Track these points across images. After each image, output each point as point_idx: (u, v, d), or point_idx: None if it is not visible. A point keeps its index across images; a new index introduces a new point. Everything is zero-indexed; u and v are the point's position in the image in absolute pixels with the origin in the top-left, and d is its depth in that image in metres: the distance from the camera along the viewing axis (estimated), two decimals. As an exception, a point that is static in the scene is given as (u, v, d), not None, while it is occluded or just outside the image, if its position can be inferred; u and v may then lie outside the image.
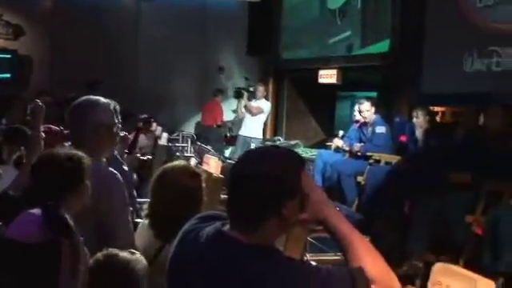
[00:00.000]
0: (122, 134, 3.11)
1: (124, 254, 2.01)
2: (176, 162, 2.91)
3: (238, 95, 9.81)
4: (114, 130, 2.69)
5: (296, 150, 8.69)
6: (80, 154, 2.26)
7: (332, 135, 9.03)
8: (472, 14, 6.25)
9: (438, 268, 1.60)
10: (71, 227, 1.60)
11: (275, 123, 10.37)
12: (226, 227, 1.57)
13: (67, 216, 1.62)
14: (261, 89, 9.49)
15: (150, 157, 6.15)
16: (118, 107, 2.77)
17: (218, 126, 10.49)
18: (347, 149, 7.25)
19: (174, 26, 10.35)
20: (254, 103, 9.53)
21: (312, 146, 9.17)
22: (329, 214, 1.56)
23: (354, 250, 1.53)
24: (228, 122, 10.80)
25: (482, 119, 5.77)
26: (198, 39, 10.63)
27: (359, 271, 1.50)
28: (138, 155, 5.38)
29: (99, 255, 1.97)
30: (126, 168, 3.27)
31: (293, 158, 1.58)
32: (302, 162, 1.59)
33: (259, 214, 1.51)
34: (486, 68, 5.97)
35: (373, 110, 7.02)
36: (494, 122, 5.29)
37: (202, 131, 10.37)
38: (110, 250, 2.01)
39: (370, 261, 1.51)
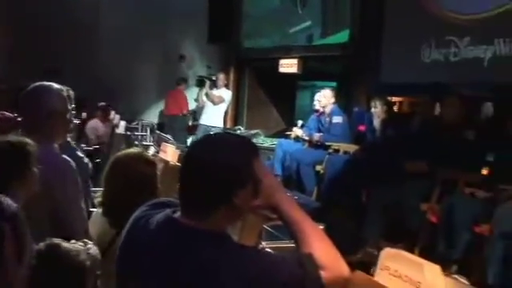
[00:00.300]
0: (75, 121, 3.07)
1: (66, 245, 1.97)
2: (130, 150, 2.88)
3: (200, 84, 9.74)
4: (67, 116, 2.66)
5: (256, 139, 8.74)
6: (25, 140, 2.22)
7: (292, 125, 9.06)
8: (430, 3, 6.32)
9: (386, 253, 1.62)
10: (14, 211, 1.56)
11: (236, 112, 10.35)
12: (177, 214, 1.55)
13: (11, 201, 1.58)
14: (222, 77, 9.46)
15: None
16: (71, 93, 2.73)
17: (184, 115, 10.41)
18: (307, 138, 7.29)
19: (135, 13, 10.22)
20: (215, 92, 9.49)
21: (273, 136, 9.20)
22: (281, 200, 1.55)
23: (305, 236, 1.53)
24: (191, 110, 10.74)
25: (438, 109, 5.88)
26: (158, 27, 10.52)
27: (309, 257, 1.50)
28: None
29: (41, 245, 1.93)
30: (80, 155, 3.22)
31: (246, 146, 1.56)
32: (254, 150, 1.57)
33: (210, 202, 1.49)
34: (444, 58, 6.05)
35: (332, 99, 7.08)
36: (450, 112, 5.38)
37: (166, 120, 10.28)
38: (53, 239, 1.97)
39: (320, 247, 1.51)
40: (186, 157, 1.56)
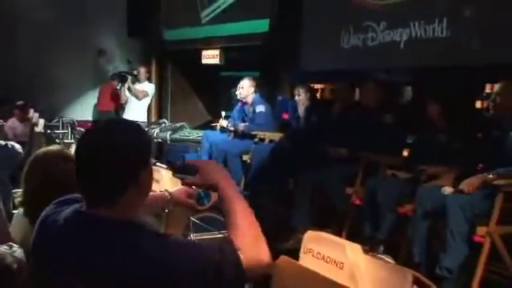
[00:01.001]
0: None
1: None
2: (49, 147, 2.79)
3: (122, 79, 9.57)
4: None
5: (182, 131, 8.66)
6: None
7: (218, 116, 9.04)
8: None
9: (309, 236, 1.64)
10: None
11: (160, 106, 10.22)
12: (84, 208, 1.53)
13: None
14: (143, 71, 9.32)
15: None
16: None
17: (116, 111, 10.16)
18: (232, 129, 7.30)
19: (52, 8, 9.88)
20: (138, 86, 9.35)
21: (198, 128, 9.13)
22: (221, 178, 1.62)
23: (234, 216, 1.56)
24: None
25: (358, 95, 6.01)
26: (76, 22, 10.22)
27: (229, 242, 1.51)
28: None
29: None
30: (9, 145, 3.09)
31: (139, 128, 1.59)
32: (145, 132, 1.63)
33: (117, 186, 1.48)
34: (362, 43, 6.18)
35: (252, 89, 7.13)
36: (368, 97, 5.52)
37: (100, 117, 10.00)
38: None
39: (243, 229, 1.54)
40: (83, 145, 1.52)
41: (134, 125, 1.59)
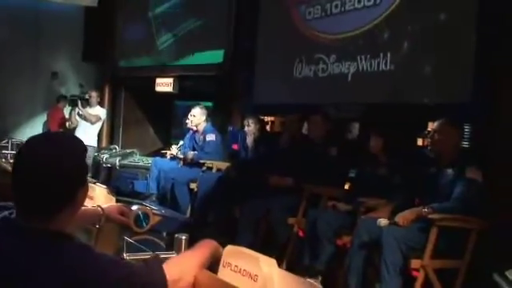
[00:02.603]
0: None
1: None
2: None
3: (73, 103, 9.49)
4: None
5: (132, 157, 8.61)
6: None
7: (169, 144, 9.03)
8: (300, 26, 6.60)
9: (228, 250, 1.67)
10: None
11: (111, 131, 10.15)
12: (14, 216, 1.52)
13: None
14: (94, 95, 9.27)
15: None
16: None
17: (64, 134, 9.99)
18: (181, 157, 7.31)
19: (5, 28, 9.78)
20: (90, 111, 9.28)
21: (149, 155, 9.10)
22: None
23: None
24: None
25: (305, 127, 6.12)
26: (30, 43, 10.14)
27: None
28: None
29: None
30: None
31: (79, 144, 1.58)
32: (84, 146, 1.60)
33: (54, 202, 1.48)
34: (314, 74, 6.34)
35: (203, 117, 7.19)
36: (315, 130, 5.62)
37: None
38: None
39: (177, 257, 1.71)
40: (22, 158, 1.50)
41: (74, 141, 1.60)
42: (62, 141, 1.57)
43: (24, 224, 1.47)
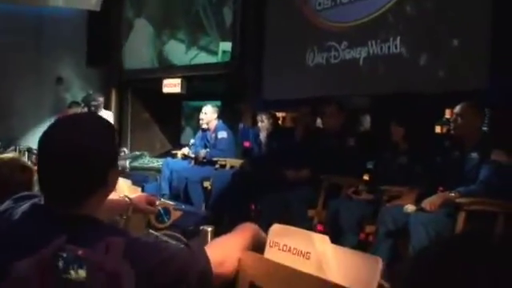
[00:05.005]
0: None
1: None
2: (3, 155, 2.69)
3: (87, 107, 9.41)
4: None
5: (142, 159, 8.53)
6: None
7: (179, 144, 8.95)
8: (313, 16, 6.60)
9: (274, 229, 1.59)
10: None
11: (119, 135, 10.07)
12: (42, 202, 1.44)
13: None
14: (101, 99, 9.19)
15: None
16: None
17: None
18: (193, 156, 7.23)
19: (9, 34, 9.71)
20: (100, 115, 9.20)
21: (159, 157, 9.02)
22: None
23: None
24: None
25: (318, 120, 6.06)
26: (34, 49, 10.06)
27: (195, 242, 1.55)
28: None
29: None
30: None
31: (106, 124, 1.51)
32: (113, 127, 1.56)
33: (85, 187, 1.40)
34: (326, 61, 6.31)
35: (215, 115, 7.12)
36: (330, 121, 5.54)
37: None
38: None
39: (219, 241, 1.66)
40: (49, 141, 1.42)
41: (102, 121, 1.52)
42: (90, 122, 1.49)
43: (54, 210, 1.40)
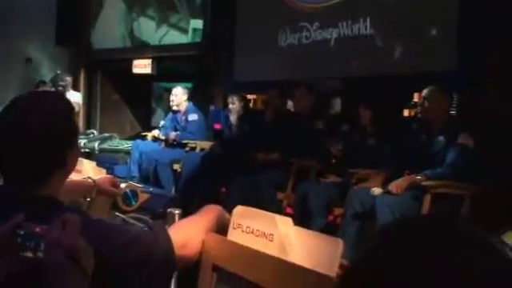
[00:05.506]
0: None
1: None
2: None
3: (55, 88, 9.25)
4: None
5: (111, 141, 8.44)
6: None
7: (149, 126, 8.88)
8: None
9: (238, 211, 1.58)
10: None
11: (88, 116, 9.94)
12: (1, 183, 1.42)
13: None
14: (69, 79, 9.04)
15: None
16: None
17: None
18: (163, 138, 7.19)
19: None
20: (68, 96, 9.07)
21: (129, 139, 8.93)
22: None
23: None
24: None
25: (290, 103, 6.06)
26: (3, 30, 9.84)
27: (158, 224, 1.52)
28: None
29: None
30: None
31: (66, 102, 1.48)
32: (71, 105, 1.50)
33: (44, 168, 1.38)
34: (298, 42, 6.31)
35: (185, 97, 7.07)
36: (300, 104, 5.55)
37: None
38: None
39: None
40: (6, 120, 1.39)
41: (61, 100, 1.49)
42: (48, 100, 1.46)
43: (13, 191, 1.38)
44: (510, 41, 4.38)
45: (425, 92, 4.27)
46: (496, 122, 4.38)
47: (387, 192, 3.95)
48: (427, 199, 3.84)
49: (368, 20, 5.50)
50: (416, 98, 5.43)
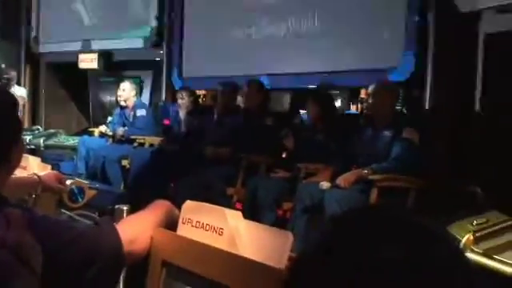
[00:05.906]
0: None
1: None
2: None
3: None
4: None
5: (57, 138, 8.26)
6: None
7: (96, 122, 8.73)
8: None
9: (187, 206, 1.58)
10: None
11: (33, 112, 9.70)
12: None
13: None
14: (13, 73, 8.81)
15: None
16: None
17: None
18: (111, 134, 7.09)
19: None
20: (12, 90, 8.83)
21: (75, 134, 8.76)
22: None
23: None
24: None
25: (240, 98, 6.06)
26: None
27: (105, 220, 1.51)
28: None
29: None
30: None
31: (7, 95, 1.44)
32: (15, 101, 1.45)
33: None
34: (247, 37, 6.38)
35: (133, 92, 7.00)
36: (250, 101, 5.56)
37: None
38: None
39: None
40: None
41: (3, 94, 1.45)
42: None
43: None
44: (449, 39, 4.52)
45: (370, 88, 4.36)
46: (439, 117, 4.50)
47: (335, 186, 4.02)
48: (374, 192, 3.92)
49: (316, 15, 5.58)
50: (363, 94, 5.53)
